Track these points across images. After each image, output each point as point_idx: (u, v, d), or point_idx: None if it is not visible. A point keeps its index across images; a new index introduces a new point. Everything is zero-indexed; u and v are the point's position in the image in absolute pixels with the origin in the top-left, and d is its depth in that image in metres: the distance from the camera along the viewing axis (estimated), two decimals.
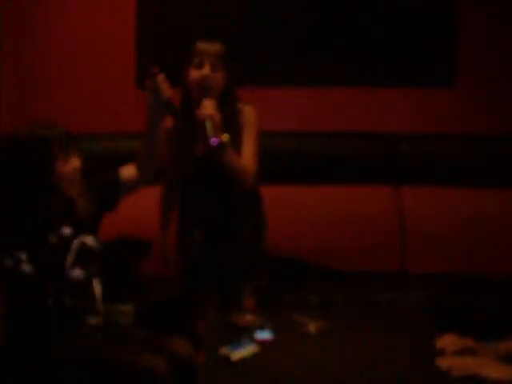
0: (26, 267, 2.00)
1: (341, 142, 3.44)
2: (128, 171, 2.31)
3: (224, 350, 1.89)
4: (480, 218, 3.19)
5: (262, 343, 1.96)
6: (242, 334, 2.01)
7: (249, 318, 2.11)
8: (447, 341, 1.91)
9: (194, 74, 2.47)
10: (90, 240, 2.14)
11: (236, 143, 2.44)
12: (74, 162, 2.14)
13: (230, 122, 2.43)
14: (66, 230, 2.10)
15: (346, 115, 3.63)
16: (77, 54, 3.67)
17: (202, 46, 2.50)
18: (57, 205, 2.12)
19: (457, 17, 3.57)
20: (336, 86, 3.63)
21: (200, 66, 2.47)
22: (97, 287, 2.14)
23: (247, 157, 2.47)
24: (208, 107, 2.36)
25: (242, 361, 1.85)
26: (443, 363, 1.78)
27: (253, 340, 1.97)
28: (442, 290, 2.86)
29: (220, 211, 2.53)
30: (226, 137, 2.35)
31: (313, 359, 1.87)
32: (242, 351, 1.89)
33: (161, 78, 2.16)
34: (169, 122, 2.58)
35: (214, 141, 2.30)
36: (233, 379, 1.78)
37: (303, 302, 2.69)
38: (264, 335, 2.01)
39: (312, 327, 2.08)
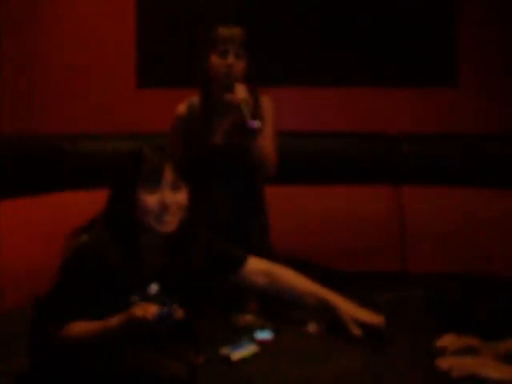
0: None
1: (341, 142, 3.44)
2: (259, 266, 2.11)
3: (224, 350, 1.88)
4: (480, 218, 3.19)
5: (262, 343, 1.96)
6: (242, 334, 2.01)
7: (249, 318, 2.11)
8: (447, 341, 1.90)
9: (218, 61, 2.48)
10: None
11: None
12: (166, 195, 1.83)
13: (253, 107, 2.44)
14: (154, 287, 1.88)
15: (346, 115, 3.64)
16: (77, 53, 3.67)
17: (225, 32, 2.49)
18: (145, 243, 1.87)
19: (457, 16, 3.57)
20: (336, 86, 3.63)
21: (224, 54, 2.48)
22: None
23: (268, 144, 2.50)
24: (241, 91, 2.38)
25: (242, 361, 1.85)
26: (443, 363, 1.78)
27: (253, 340, 1.97)
28: (442, 290, 2.86)
29: (231, 209, 2.53)
30: (257, 122, 2.36)
31: (313, 359, 1.87)
32: (242, 351, 1.88)
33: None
34: (182, 110, 2.57)
35: (252, 123, 2.31)
36: (233, 379, 1.77)
37: (303, 302, 2.68)
38: (264, 335, 2.01)
39: (312, 327, 2.08)
